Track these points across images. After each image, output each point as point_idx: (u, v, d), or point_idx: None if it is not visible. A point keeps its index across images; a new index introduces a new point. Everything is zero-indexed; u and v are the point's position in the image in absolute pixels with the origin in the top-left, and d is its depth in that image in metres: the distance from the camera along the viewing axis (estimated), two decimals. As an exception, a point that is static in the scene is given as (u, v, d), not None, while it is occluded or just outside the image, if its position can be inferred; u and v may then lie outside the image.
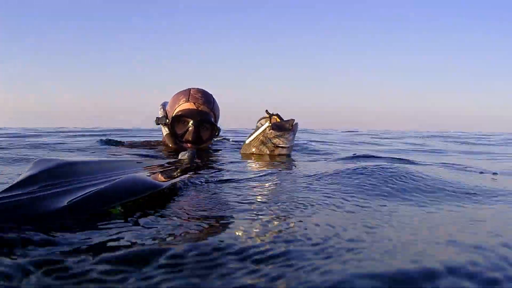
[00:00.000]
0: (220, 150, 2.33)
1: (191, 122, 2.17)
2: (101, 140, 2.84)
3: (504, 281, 0.53)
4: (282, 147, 2.15)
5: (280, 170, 1.63)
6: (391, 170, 1.45)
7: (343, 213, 0.92)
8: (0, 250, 0.59)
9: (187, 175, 1.30)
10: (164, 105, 2.41)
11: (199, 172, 1.42)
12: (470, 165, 2.11)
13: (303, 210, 0.94)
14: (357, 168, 1.48)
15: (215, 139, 2.43)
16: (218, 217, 0.88)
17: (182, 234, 0.73)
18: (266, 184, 1.31)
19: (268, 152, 2.15)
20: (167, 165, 1.48)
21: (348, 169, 1.49)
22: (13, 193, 0.80)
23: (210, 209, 0.94)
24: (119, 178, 1.03)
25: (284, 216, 0.88)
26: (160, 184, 1.06)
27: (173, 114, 2.23)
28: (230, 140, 2.91)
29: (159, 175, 1.26)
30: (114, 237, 0.69)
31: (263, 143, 2.15)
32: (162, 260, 0.56)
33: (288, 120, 2.25)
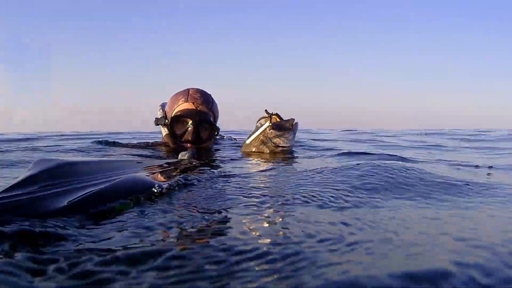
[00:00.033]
0: (220, 149, 2.33)
1: (190, 122, 2.17)
2: (98, 141, 2.82)
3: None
4: (282, 146, 2.16)
5: (279, 166, 1.65)
6: (388, 166, 1.47)
7: (345, 209, 0.93)
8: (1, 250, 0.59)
9: (188, 173, 1.30)
10: (163, 106, 2.41)
11: (200, 169, 1.42)
12: (467, 160, 2.13)
13: (306, 204, 0.96)
14: (358, 164, 1.50)
15: (217, 137, 2.43)
16: (223, 212, 0.89)
17: (188, 230, 0.74)
18: (267, 179, 1.33)
19: (268, 151, 2.15)
20: (166, 165, 1.47)
21: (344, 166, 1.51)
22: (13, 193, 0.80)
23: (215, 204, 0.95)
24: (119, 178, 1.03)
25: (288, 211, 0.89)
26: (160, 183, 1.06)
27: (172, 115, 2.23)
28: (236, 139, 2.91)
29: (159, 175, 1.25)
30: (120, 234, 0.70)
31: (263, 142, 2.16)
32: (166, 259, 0.56)
33: (288, 120, 2.25)
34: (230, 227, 0.77)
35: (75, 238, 0.67)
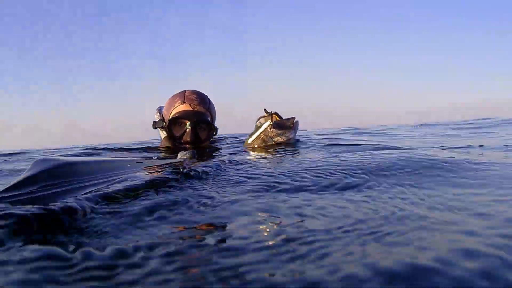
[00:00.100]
0: (221, 148, 2.33)
1: (188, 123, 2.17)
2: (94, 148, 2.80)
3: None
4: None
5: (280, 158, 1.71)
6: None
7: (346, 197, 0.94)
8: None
9: (191, 166, 1.30)
10: (160, 109, 2.41)
11: (202, 163, 1.43)
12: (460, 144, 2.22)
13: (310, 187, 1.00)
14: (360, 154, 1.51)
15: (215, 137, 2.43)
16: (230, 204, 0.91)
17: (196, 223, 0.75)
18: (268, 169, 1.36)
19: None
20: (167, 165, 1.47)
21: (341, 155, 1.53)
22: (13, 193, 0.79)
23: (222, 194, 0.97)
24: (119, 178, 1.03)
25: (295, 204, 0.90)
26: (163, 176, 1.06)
27: (170, 117, 2.23)
28: (238, 138, 2.92)
29: (160, 172, 1.25)
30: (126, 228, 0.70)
31: (264, 141, 2.17)
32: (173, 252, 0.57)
33: (289, 119, 2.26)
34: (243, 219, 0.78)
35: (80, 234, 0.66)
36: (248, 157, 1.75)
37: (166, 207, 0.81)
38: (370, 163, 1.34)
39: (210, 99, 2.40)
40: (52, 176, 0.91)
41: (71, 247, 0.56)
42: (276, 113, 2.31)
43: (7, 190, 0.81)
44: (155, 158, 1.70)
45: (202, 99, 2.30)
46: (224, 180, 1.16)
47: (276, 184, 1.06)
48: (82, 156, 2.12)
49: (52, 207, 0.68)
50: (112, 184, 0.94)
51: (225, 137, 3.08)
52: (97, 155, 2.27)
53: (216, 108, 2.43)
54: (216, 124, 2.39)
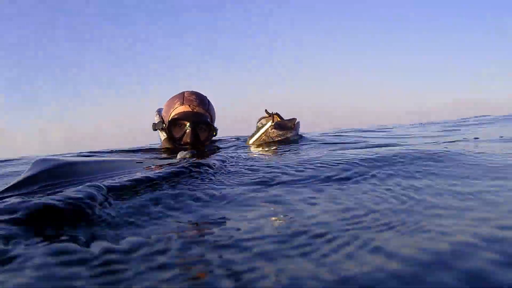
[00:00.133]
0: (222, 148, 2.33)
1: (188, 124, 2.17)
2: (92, 152, 2.80)
3: None
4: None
5: (283, 153, 1.76)
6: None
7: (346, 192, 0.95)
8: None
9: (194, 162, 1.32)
10: (159, 111, 2.42)
11: (205, 160, 1.45)
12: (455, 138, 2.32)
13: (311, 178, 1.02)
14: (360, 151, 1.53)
15: (215, 137, 2.44)
16: (238, 196, 0.93)
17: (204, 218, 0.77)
18: (273, 163, 1.40)
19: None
20: (168, 164, 1.47)
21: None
22: (13, 193, 0.80)
23: (229, 187, 1.00)
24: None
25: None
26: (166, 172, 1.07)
27: (169, 118, 2.23)
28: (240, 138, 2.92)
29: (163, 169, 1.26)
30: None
31: (265, 142, 2.18)
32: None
33: (290, 119, 2.27)
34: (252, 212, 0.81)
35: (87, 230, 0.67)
36: (251, 154, 1.77)
37: (174, 200, 0.84)
38: (372, 157, 1.38)
39: (209, 100, 2.40)
40: (52, 176, 0.92)
41: (87, 239, 0.58)
42: (277, 114, 2.32)
43: (7, 190, 0.81)
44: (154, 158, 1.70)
45: (201, 100, 2.30)
46: (230, 173, 1.20)
47: (282, 176, 1.10)
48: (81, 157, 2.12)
49: (71, 196, 0.69)
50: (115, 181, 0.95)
51: (225, 139, 3.08)
52: (96, 157, 2.27)
53: (216, 109, 2.43)
54: (216, 125, 2.39)
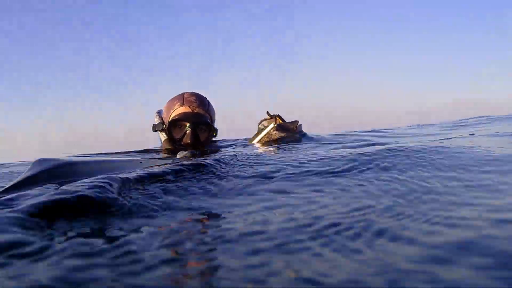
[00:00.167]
0: (224, 146, 2.34)
1: (188, 125, 2.18)
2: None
3: None
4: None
5: (286, 149, 1.83)
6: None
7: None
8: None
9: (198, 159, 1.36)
10: (159, 112, 2.43)
11: (208, 157, 1.50)
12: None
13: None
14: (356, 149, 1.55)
15: (215, 138, 2.44)
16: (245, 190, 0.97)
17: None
18: (277, 158, 1.45)
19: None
20: (170, 163, 1.47)
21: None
22: (13, 193, 0.80)
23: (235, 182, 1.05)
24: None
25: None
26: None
27: (169, 119, 2.23)
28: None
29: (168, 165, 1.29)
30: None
31: (268, 144, 2.18)
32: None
33: (292, 122, 2.27)
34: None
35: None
36: (254, 151, 1.82)
37: (184, 191, 0.89)
38: (372, 151, 1.45)
39: (209, 101, 2.41)
40: (52, 176, 0.92)
41: (107, 226, 0.63)
42: (279, 116, 2.32)
43: (7, 190, 0.81)
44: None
45: (201, 101, 2.30)
46: (236, 167, 1.26)
47: (288, 168, 1.17)
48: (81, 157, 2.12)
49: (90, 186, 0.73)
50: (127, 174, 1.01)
51: (225, 140, 3.08)
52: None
53: (216, 110, 2.44)
54: (216, 126, 2.40)
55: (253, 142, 2.22)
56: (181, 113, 2.22)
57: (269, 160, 1.35)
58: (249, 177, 1.04)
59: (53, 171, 0.93)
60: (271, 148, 1.92)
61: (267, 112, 2.28)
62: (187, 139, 2.18)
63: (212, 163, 1.22)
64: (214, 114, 2.42)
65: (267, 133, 2.16)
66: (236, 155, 1.50)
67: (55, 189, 0.77)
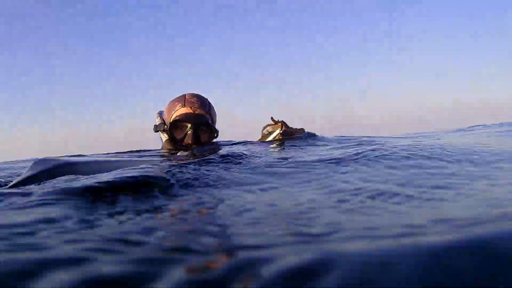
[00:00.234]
0: (226, 145, 2.34)
1: (189, 126, 2.19)
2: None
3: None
4: None
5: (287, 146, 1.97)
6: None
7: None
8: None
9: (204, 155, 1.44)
10: (160, 113, 2.44)
11: (211, 154, 1.58)
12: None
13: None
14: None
15: (216, 139, 2.44)
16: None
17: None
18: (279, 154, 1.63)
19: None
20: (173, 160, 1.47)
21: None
22: (14, 193, 0.79)
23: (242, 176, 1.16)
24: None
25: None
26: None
27: (171, 120, 2.24)
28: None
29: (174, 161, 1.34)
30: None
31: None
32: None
33: (298, 129, 2.27)
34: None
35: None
36: (259, 149, 1.88)
37: (206, 178, 1.04)
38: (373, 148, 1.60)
39: (211, 102, 2.41)
40: (52, 176, 0.92)
41: (160, 200, 0.80)
42: (283, 122, 2.31)
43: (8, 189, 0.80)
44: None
45: (202, 102, 2.31)
46: (242, 160, 1.39)
47: (296, 157, 1.38)
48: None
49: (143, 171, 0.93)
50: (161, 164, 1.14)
51: (227, 142, 3.08)
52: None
53: (217, 113, 2.44)
54: (217, 127, 2.40)
55: None
56: (183, 114, 2.23)
57: (278, 154, 1.55)
58: (267, 166, 1.26)
59: (53, 171, 0.93)
60: (273, 146, 1.99)
61: (271, 117, 2.28)
62: (188, 140, 2.19)
63: (216, 159, 1.35)
64: (215, 115, 2.43)
65: (273, 138, 2.16)
66: (241, 150, 1.57)
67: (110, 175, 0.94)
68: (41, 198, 0.73)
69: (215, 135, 2.32)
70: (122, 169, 1.06)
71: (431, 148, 1.57)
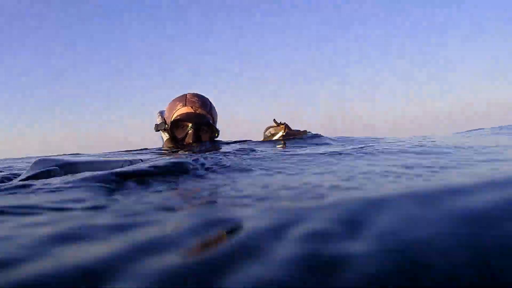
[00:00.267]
0: (227, 143, 2.33)
1: (190, 125, 2.19)
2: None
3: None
4: None
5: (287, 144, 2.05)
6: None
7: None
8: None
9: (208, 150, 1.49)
10: (161, 113, 2.44)
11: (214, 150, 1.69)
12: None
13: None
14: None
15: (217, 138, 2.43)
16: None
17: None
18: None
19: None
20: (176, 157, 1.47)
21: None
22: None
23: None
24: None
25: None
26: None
27: (172, 119, 2.23)
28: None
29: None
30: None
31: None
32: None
33: (302, 131, 2.26)
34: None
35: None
36: (264, 144, 1.94)
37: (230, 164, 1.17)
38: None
39: (212, 102, 2.41)
40: (52, 176, 0.91)
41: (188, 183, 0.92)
42: (285, 124, 2.29)
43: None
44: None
45: (203, 102, 2.31)
46: (250, 151, 1.52)
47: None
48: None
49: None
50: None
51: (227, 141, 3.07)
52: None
53: (218, 112, 2.43)
54: (218, 127, 2.39)
55: None
56: (183, 113, 2.23)
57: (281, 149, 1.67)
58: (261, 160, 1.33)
59: (53, 171, 0.92)
60: (275, 144, 2.05)
61: (274, 119, 2.27)
62: (189, 139, 2.19)
63: (220, 155, 1.43)
64: (216, 115, 2.43)
65: (276, 140, 2.15)
66: (244, 147, 1.61)
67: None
68: (63, 185, 0.79)
69: (216, 134, 2.31)
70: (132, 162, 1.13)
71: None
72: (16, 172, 1.21)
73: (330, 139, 2.39)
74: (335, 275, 0.36)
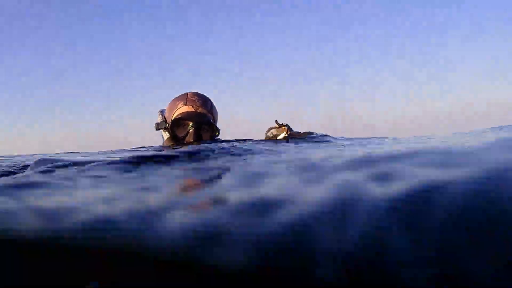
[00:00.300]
0: (228, 141, 2.33)
1: (191, 124, 2.18)
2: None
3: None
4: None
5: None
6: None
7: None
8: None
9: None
10: (162, 112, 2.44)
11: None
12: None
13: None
14: None
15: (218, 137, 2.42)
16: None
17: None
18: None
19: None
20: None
21: None
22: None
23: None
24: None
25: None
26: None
27: (172, 118, 2.23)
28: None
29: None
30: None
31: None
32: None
33: (305, 133, 2.25)
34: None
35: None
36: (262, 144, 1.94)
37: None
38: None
39: (212, 101, 2.40)
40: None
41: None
42: (287, 125, 2.28)
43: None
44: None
45: (204, 101, 2.31)
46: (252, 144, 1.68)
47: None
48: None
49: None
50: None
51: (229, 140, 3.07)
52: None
53: (218, 112, 2.43)
54: (218, 126, 2.38)
55: None
56: (184, 112, 2.23)
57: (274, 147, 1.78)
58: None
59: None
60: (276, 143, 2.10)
61: (276, 121, 2.26)
62: (190, 138, 2.19)
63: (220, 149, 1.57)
64: (217, 114, 2.43)
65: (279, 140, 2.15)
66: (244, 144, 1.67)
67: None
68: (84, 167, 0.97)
69: (217, 133, 2.31)
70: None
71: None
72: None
73: (337, 138, 2.39)
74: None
